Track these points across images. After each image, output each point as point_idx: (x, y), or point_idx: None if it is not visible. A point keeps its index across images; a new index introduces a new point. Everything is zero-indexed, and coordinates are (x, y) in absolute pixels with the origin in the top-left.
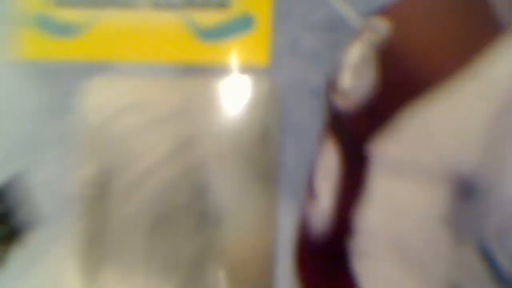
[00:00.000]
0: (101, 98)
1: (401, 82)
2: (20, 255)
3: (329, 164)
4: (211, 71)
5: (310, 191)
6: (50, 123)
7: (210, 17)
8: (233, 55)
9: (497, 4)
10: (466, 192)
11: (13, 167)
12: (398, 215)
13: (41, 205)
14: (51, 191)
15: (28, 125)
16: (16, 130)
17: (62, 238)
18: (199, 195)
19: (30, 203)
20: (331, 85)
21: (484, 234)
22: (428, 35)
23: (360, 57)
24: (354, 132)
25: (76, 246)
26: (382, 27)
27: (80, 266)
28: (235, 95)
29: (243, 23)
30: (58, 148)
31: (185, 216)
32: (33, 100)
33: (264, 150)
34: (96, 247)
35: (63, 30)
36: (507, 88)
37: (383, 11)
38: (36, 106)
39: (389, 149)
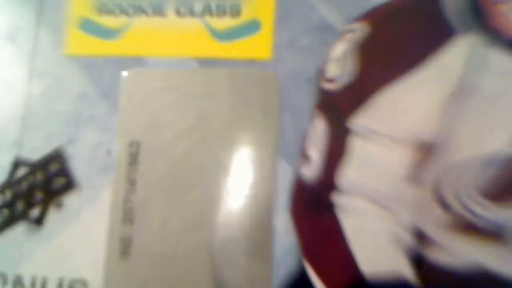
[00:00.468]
0: (134, 85)
1: (375, 71)
2: (55, 217)
3: (319, 135)
4: (224, 63)
5: (303, 156)
6: (90, 106)
7: (224, 23)
8: (243, 51)
9: (447, 9)
10: (426, 154)
11: (57, 141)
12: (371, 173)
13: (78, 174)
14: (87, 162)
15: (72, 107)
16: (63, 111)
17: (94, 202)
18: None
19: (68, 171)
20: (321, 74)
21: (441, 186)
22: (395, 35)
23: (343, 52)
24: (339, 109)
25: (107, 206)
26: (360, 29)
27: (110, 228)
28: (243, 82)
29: (252, 27)
30: (96, 125)
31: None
32: (77, 88)
33: (265, 123)
34: (126, 204)
35: (103, 33)
36: (456, 74)
37: (361, 18)
38: (79, 92)
39: (365, 121)
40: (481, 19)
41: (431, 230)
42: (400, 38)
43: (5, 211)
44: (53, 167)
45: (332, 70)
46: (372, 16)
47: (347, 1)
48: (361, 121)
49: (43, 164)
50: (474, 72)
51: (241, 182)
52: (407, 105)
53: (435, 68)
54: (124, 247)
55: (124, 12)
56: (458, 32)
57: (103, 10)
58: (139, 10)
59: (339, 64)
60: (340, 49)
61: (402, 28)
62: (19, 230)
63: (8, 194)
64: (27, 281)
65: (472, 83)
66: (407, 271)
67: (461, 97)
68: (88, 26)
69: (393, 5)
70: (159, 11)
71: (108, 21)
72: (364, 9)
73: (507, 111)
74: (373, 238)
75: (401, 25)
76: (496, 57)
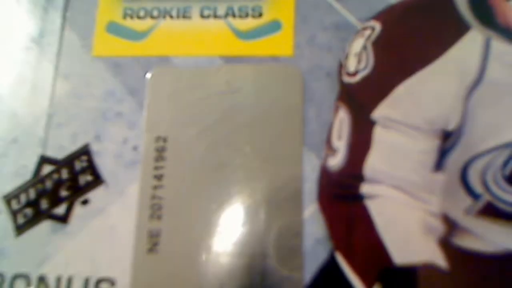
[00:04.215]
0: (160, 83)
1: (393, 65)
2: (81, 214)
3: (343, 126)
4: (248, 60)
5: (328, 148)
6: (117, 104)
7: (247, 24)
8: (266, 49)
9: (460, 5)
10: (449, 142)
11: (83, 139)
12: (397, 162)
13: (104, 170)
14: (113, 158)
15: (98, 105)
16: (89, 109)
17: (120, 198)
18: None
19: (95, 167)
20: (341, 68)
21: (468, 175)
22: (411, 31)
23: (361, 48)
24: (360, 101)
25: (134, 202)
26: (377, 26)
27: (138, 219)
28: (267, 78)
29: (273, 27)
30: (122, 122)
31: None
32: (104, 87)
33: (290, 117)
34: (154, 200)
35: (130, 35)
36: (472, 66)
37: (378, 16)
38: (106, 91)
39: (388, 112)
40: (492, 15)
41: (460, 217)
42: (415, 33)
43: (29, 210)
44: (79, 164)
45: (352, 64)
46: (388, 14)
47: (364, 0)
48: (384, 111)
49: (69, 161)
50: (489, 64)
51: (268, 176)
52: (427, 95)
53: (452, 60)
54: (152, 244)
55: (149, 15)
56: (472, 28)
57: (129, 13)
58: (165, 13)
59: (358, 59)
60: (359, 44)
61: (417, 25)
62: (43, 229)
63: (32, 193)
64: (51, 282)
65: (488, 74)
66: (438, 259)
67: (480, 88)
68: (115, 29)
69: (408, 3)
70: (183, 14)
71: (134, 24)
72: (380, 8)
73: None
74: (403, 227)
75: (416, 22)
76: (509, 50)
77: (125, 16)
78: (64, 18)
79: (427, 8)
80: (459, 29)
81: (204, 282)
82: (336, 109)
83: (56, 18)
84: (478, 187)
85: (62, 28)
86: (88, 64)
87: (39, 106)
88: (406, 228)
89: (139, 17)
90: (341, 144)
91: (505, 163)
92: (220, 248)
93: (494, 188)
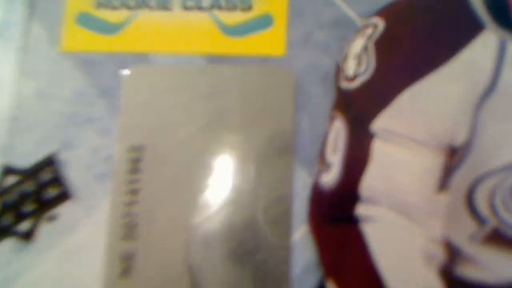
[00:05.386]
0: (138, 84)
1: (396, 68)
2: (48, 229)
3: (339, 138)
4: (235, 60)
5: (322, 162)
6: (87, 107)
7: (234, 17)
8: (255, 47)
9: (474, 2)
10: (456, 159)
11: (51, 146)
12: (397, 180)
13: (73, 181)
14: (83, 169)
15: (68, 107)
16: (56, 113)
17: (91, 214)
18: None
19: (62, 179)
20: (339, 71)
21: (475, 196)
22: (416, 31)
23: (362, 49)
24: (359, 110)
25: (106, 219)
26: (379, 25)
27: (109, 239)
28: (256, 80)
29: (264, 22)
30: (94, 128)
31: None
32: (73, 87)
33: (280, 122)
34: (127, 218)
35: (103, 28)
36: (485, 72)
37: (379, 12)
38: (76, 92)
39: (389, 124)
40: (509, 14)
41: (464, 244)
42: (423, 33)
43: None
44: (46, 175)
45: (351, 67)
46: (393, 10)
47: None
48: (385, 123)
49: (35, 171)
50: (504, 70)
51: (256, 194)
52: (434, 105)
53: (463, 65)
54: (125, 267)
55: (125, 5)
56: (486, 28)
57: (103, 3)
58: (142, 4)
59: (358, 61)
60: (359, 45)
61: (425, 23)
62: (6, 247)
63: None
64: None
65: (503, 81)
66: None
67: (493, 97)
68: (86, 21)
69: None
70: (163, 5)
71: (108, 15)
72: (384, 2)
73: None
74: (401, 254)
75: (424, 20)
76: None
77: (98, 6)
78: (30, 8)
79: (437, 4)
80: (472, 29)
81: None
82: (331, 119)
83: (21, 8)
84: (485, 211)
85: (28, 19)
86: (55, 60)
87: (1, 108)
88: (405, 256)
89: (113, 8)
90: (336, 158)
91: None
92: (204, 270)
93: (503, 212)
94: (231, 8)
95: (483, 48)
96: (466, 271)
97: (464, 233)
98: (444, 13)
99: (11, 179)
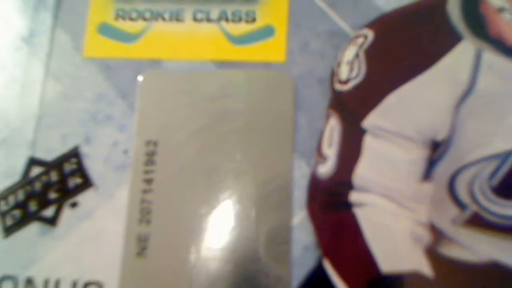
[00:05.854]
0: (152, 86)
1: (385, 73)
2: (70, 217)
3: (334, 134)
4: (240, 66)
5: (318, 155)
6: (107, 106)
7: (240, 28)
8: (258, 55)
9: (452, 15)
10: (438, 152)
11: (73, 141)
12: (386, 171)
13: (93, 172)
14: (103, 161)
15: (89, 107)
16: (79, 111)
17: (110, 201)
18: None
19: (84, 170)
20: (333, 75)
21: (455, 185)
22: (403, 40)
23: (354, 56)
24: (351, 109)
25: (122, 206)
26: (370, 34)
27: (127, 222)
28: (259, 84)
29: (266, 33)
30: (113, 125)
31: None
32: (95, 89)
33: (280, 124)
34: (143, 204)
35: (121, 37)
36: (462, 77)
37: (370, 24)
38: (97, 93)
39: (378, 121)
40: (484, 26)
41: (447, 227)
42: (407, 42)
43: (17, 212)
44: (69, 167)
45: (344, 72)
46: (381, 22)
47: (357, 8)
48: (375, 120)
49: (58, 163)
50: (480, 76)
51: (258, 182)
52: (417, 105)
53: (443, 70)
54: (140, 248)
55: (142, 17)
56: (464, 38)
57: (121, 15)
58: (157, 16)
59: (350, 67)
60: (351, 53)
61: (409, 34)
62: (31, 231)
63: (20, 194)
64: (39, 284)
65: (479, 85)
66: (425, 268)
67: (470, 98)
68: (106, 30)
69: (400, 12)
70: (176, 17)
71: (126, 25)
72: (373, 16)
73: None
74: (391, 235)
75: (408, 31)
76: (500, 62)
77: (117, 17)
78: (55, 18)
79: (420, 18)
80: (451, 39)
81: (193, 287)
82: (327, 117)
83: (47, 18)
84: (465, 198)
85: (53, 28)
86: (79, 65)
87: (28, 107)
88: (394, 237)
89: (131, 19)
90: (331, 152)
91: (493, 174)
92: (209, 253)
93: (481, 199)
94: (237, 20)
95: (461, 56)
96: (450, 251)
97: (447, 217)
98: (427, 25)
99: (36, 170)
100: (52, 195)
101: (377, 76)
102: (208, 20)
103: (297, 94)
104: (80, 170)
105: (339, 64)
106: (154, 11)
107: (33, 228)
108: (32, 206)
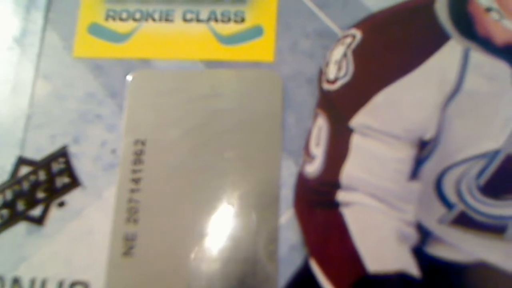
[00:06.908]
0: (141, 86)
1: (373, 73)
2: (57, 216)
3: (321, 133)
4: (229, 65)
5: (306, 154)
6: (97, 106)
7: (229, 29)
8: (247, 54)
9: (440, 15)
10: (426, 151)
11: (62, 141)
12: (374, 170)
13: (81, 172)
14: (91, 161)
15: (79, 106)
16: (68, 111)
17: (97, 201)
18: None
19: (72, 170)
20: (322, 75)
21: (442, 184)
22: (391, 40)
23: (341, 56)
24: (339, 109)
25: (110, 205)
26: (357, 34)
27: (114, 221)
28: (248, 83)
29: (255, 33)
30: (102, 125)
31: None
32: (84, 89)
33: (269, 123)
34: (130, 203)
35: (111, 37)
36: (450, 76)
37: (358, 24)
38: (86, 93)
39: (366, 120)
40: (472, 26)
41: (434, 226)
42: (396, 42)
43: (5, 211)
44: (57, 166)
45: (332, 72)
46: (369, 22)
47: (345, 8)
48: (362, 119)
49: (47, 163)
50: (467, 75)
51: (246, 181)
52: (405, 104)
53: (431, 70)
54: (127, 247)
55: (132, 17)
56: (451, 38)
57: (112, 15)
58: (147, 16)
59: (338, 66)
60: (339, 52)
61: (398, 33)
62: (19, 230)
63: (8, 194)
64: (25, 284)
65: (466, 85)
66: (411, 268)
67: (458, 97)
68: (97, 31)
69: (388, 12)
70: (166, 17)
71: (116, 26)
72: (361, 16)
73: (499, 112)
74: (378, 234)
75: (397, 31)
76: (487, 61)
77: (107, 17)
78: (46, 18)
79: (408, 18)
80: (439, 39)
81: (178, 287)
82: (315, 116)
83: (38, 18)
84: (452, 197)
85: (44, 28)
86: (69, 65)
87: (18, 107)
88: (381, 236)
89: (121, 19)
90: (319, 151)
91: (480, 174)
92: (195, 253)
93: (468, 198)
94: (226, 20)
95: (448, 56)
96: (436, 251)
97: (434, 216)
98: (414, 25)
99: (24, 170)
100: (40, 194)
101: (365, 76)
102: (198, 20)
103: (286, 93)
104: (68, 170)
105: (327, 64)
106: (144, 11)
107: (21, 227)
108: (20, 205)
